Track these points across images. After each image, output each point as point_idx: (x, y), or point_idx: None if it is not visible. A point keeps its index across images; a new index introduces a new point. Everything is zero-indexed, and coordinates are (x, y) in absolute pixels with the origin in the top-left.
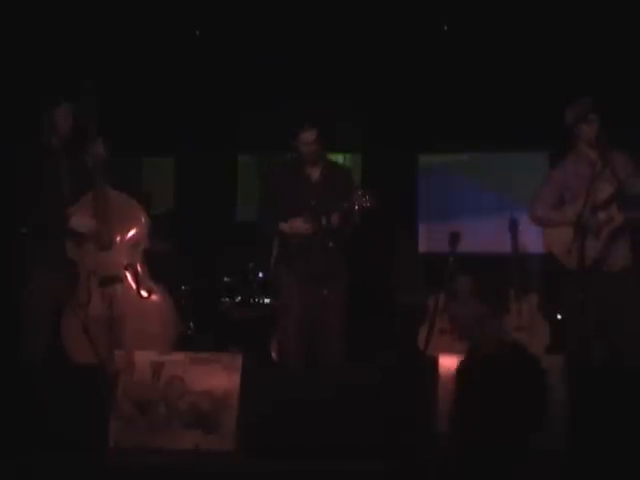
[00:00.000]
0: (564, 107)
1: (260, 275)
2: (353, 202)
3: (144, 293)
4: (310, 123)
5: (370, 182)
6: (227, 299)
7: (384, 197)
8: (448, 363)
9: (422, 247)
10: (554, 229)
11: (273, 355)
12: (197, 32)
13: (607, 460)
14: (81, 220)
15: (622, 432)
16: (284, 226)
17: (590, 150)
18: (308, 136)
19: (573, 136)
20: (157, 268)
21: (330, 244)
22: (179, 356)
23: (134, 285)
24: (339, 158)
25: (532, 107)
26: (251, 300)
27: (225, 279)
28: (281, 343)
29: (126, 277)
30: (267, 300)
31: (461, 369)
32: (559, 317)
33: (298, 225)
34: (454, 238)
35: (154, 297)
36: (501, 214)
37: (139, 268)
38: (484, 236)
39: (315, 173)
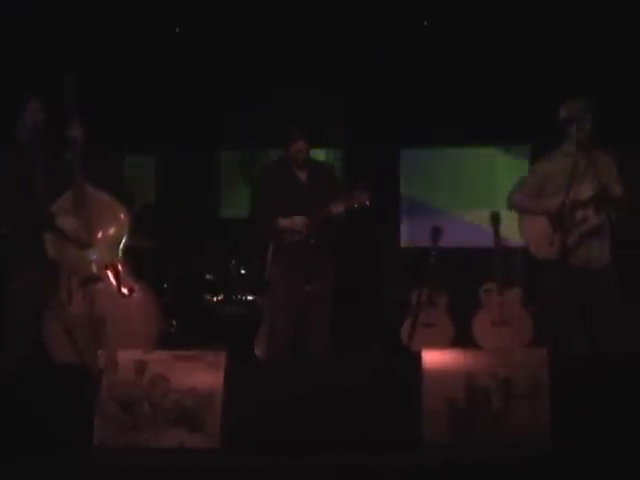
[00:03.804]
0: (545, 102)
1: (243, 272)
2: (353, 201)
3: (125, 292)
4: (298, 129)
5: (352, 177)
6: (210, 296)
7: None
8: (431, 358)
9: (404, 241)
10: (530, 220)
11: (257, 352)
12: (177, 29)
13: (592, 450)
14: (66, 219)
15: (603, 423)
16: (284, 222)
17: (579, 149)
18: (298, 146)
19: (564, 133)
20: (139, 266)
21: (321, 241)
22: (162, 354)
23: (115, 284)
24: (321, 153)
25: (514, 102)
26: (234, 297)
27: (207, 276)
28: (270, 337)
29: (107, 276)
30: (250, 297)
31: None
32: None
33: (299, 222)
34: (436, 232)
35: (136, 295)
36: (482, 208)
37: (120, 267)
38: (466, 230)
39: (303, 174)
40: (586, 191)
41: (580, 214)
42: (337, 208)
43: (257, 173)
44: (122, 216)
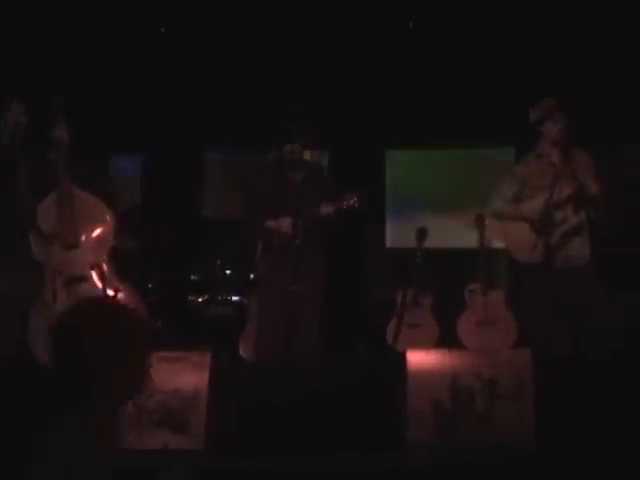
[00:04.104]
0: (529, 104)
1: (228, 272)
2: (342, 202)
3: (111, 292)
4: (293, 130)
5: (338, 178)
6: (194, 297)
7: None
8: (416, 358)
9: (390, 242)
10: (511, 225)
11: (242, 353)
12: (162, 30)
13: (576, 451)
14: (44, 219)
15: (587, 423)
16: (271, 223)
17: (553, 149)
18: (292, 148)
19: (538, 134)
20: (124, 266)
21: (310, 241)
22: None
23: (100, 284)
24: (306, 153)
25: (498, 104)
26: (219, 297)
27: (192, 277)
28: (259, 338)
29: (92, 276)
30: (235, 297)
31: None
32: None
33: (285, 224)
34: (421, 233)
35: (121, 296)
36: (468, 209)
37: (105, 267)
38: (451, 231)
39: (296, 174)
40: (564, 191)
41: (560, 214)
42: (326, 209)
43: (250, 173)
44: (107, 217)
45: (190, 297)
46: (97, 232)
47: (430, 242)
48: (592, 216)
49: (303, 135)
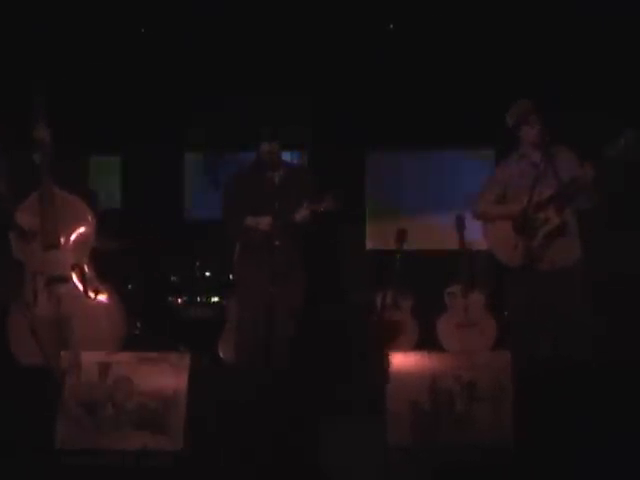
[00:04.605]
0: (508, 104)
1: (207, 274)
2: (320, 204)
3: (91, 293)
4: (268, 130)
5: (318, 180)
6: (174, 298)
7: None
8: (395, 360)
9: (370, 244)
10: (493, 226)
11: (220, 354)
12: (142, 30)
13: (554, 453)
14: (24, 217)
15: (566, 425)
16: (250, 220)
17: (534, 150)
18: (269, 148)
19: (516, 137)
20: (104, 267)
21: (289, 243)
22: (126, 356)
23: (81, 285)
24: (286, 155)
25: (478, 105)
26: (198, 299)
27: (172, 278)
28: (237, 338)
29: (72, 277)
30: (215, 299)
31: None
32: (505, 313)
33: (264, 222)
34: (401, 235)
35: (101, 297)
36: (448, 211)
37: (86, 268)
38: (431, 233)
39: (276, 175)
40: (545, 191)
41: (542, 215)
42: (301, 214)
43: (230, 173)
44: (89, 217)
45: (170, 298)
46: (78, 232)
47: (410, 244)
48: (584, 207)
49: (276, 135)
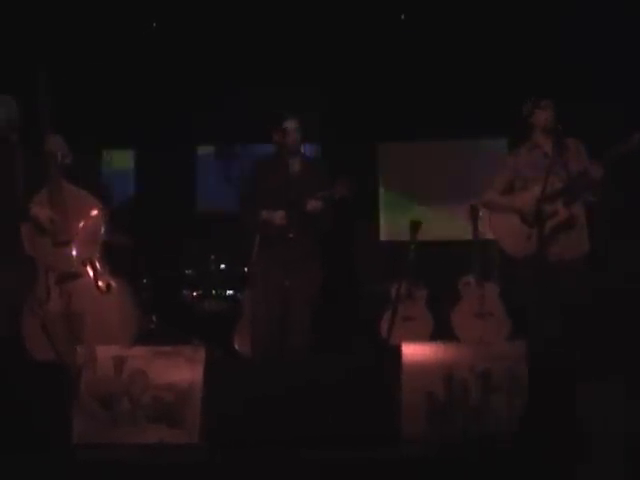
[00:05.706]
0: (521, 95)
1: (222, 267)
2: (333, 191)
3: (104, 288)
4: (287, 113)
5: (331, 171)
6: (189, 291)
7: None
8: (411, 351)
9: (384, 235)
10: (502, 219)
11: (237, 347)
12: (154, 24)
13: (566, 443)
14: (41, 210)
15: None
16: (264, 214)
17: (545, 140)
18: (291, 124)
19: (529, 125)
20: (117, 262)
21: (304, 234)
22: (141, 350)
23: (93, 280)
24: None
25: (490, 95)
26: (213, 292)
27: (187, 271)
28: (252, 332)
29: (85, 272)
30: (229, 292)
31: None
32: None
33: (278, 216)
34: (414, 226)
35: (114, 292)
36: (462, 201)
37: (98, 263)
38: (445, 223)
39: (296, 165)
40: (556, 184)
41: (550, 207)
42: (312, 204)
43: (248, 164)
44: (99, 212)
45: (184, 292)
46: (89, 227)
47: (424, 235)
48: (592, 198)
49: (300, 121)
